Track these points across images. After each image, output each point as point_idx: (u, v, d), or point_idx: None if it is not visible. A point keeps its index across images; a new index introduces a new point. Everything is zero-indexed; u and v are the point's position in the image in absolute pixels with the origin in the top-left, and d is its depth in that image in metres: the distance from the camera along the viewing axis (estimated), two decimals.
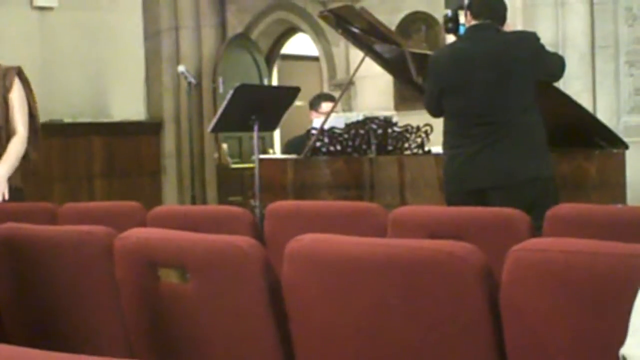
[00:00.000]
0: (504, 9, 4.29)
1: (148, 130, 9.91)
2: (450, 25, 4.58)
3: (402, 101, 8.14)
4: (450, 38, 4.77)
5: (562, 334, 1.84)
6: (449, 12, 4.74)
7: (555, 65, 4.27)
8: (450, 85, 4.25)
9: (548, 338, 1.87)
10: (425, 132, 5.64)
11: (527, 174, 4.11)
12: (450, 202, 4.19)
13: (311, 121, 6.83)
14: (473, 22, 4.25)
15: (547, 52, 4.27)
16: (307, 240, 2.20)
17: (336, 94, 6.96)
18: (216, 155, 9.48)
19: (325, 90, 9.01)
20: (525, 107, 4.13)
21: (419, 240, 2.19)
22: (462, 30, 4.44)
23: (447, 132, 4.34)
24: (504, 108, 4.13)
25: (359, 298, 2.09)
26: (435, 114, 4.50)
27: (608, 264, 1.80)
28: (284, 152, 7.03)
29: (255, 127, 4.90)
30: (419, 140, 5.68)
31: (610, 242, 1.87)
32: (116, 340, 2.57)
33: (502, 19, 4.27)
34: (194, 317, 2.36)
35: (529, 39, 4.23)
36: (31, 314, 2.73)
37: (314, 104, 6.66)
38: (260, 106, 4.92)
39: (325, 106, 6.72)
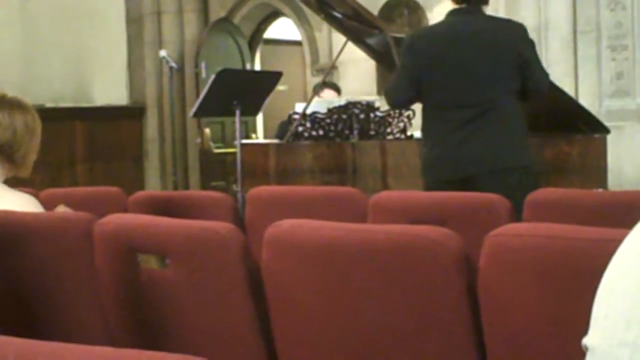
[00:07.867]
0: None
1: (130, 115, 9.87)
2: None
3: (385, 86, 8.13)
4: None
5: (539, 319, 1.85)
6: None
7: (543, 78, 4.09)
8: (430, 65, 4.05)
9: (525, 323, 1.87)
10: (408, 116, 5.64)
11: (510, 162, 3.99)
12: (429, 191, 4.06)
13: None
14: (454, 7, 4.12)
15: (539, 61, 4.10)
16: (286, 225, 2.20)
17: (319, 79, 6.96)
18: (199, 140, 9.46)
19: (308, 75, 9.01)
20: (508, 92, 4.01)
21: (397, 225, 2.19)
22: None
23: (426, 118, 4.19)
24: (488, 92, 3.98)
25: (338, 283, 2.09)
26: (401, 98, 4.33)
27: (586, 249, 1.80)
28: (277, 133, 6.94)
29: (237, 112, 4.89)
30: (401, 125, 5.67)
31: (588, 227, 1.87)
32: (95, 327, 2.56)
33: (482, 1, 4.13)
34: (174, 304, 2.35)
35: (520, 31, 4.08)
36: (8, 301, 2.72)
37: (316, 88, 6.68)
38: (243, 91, 4.91)
39: (327, 93, 6.75)
